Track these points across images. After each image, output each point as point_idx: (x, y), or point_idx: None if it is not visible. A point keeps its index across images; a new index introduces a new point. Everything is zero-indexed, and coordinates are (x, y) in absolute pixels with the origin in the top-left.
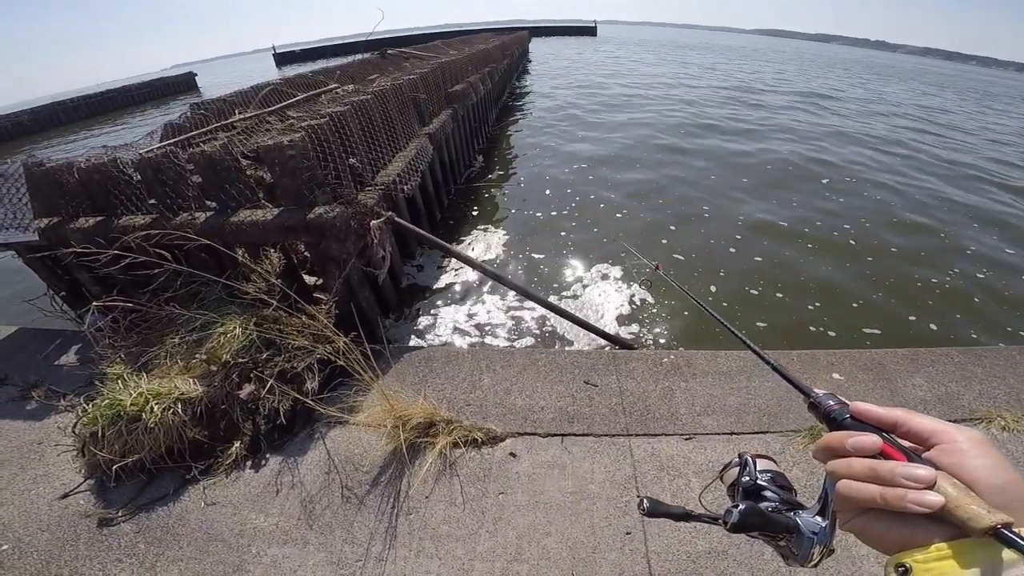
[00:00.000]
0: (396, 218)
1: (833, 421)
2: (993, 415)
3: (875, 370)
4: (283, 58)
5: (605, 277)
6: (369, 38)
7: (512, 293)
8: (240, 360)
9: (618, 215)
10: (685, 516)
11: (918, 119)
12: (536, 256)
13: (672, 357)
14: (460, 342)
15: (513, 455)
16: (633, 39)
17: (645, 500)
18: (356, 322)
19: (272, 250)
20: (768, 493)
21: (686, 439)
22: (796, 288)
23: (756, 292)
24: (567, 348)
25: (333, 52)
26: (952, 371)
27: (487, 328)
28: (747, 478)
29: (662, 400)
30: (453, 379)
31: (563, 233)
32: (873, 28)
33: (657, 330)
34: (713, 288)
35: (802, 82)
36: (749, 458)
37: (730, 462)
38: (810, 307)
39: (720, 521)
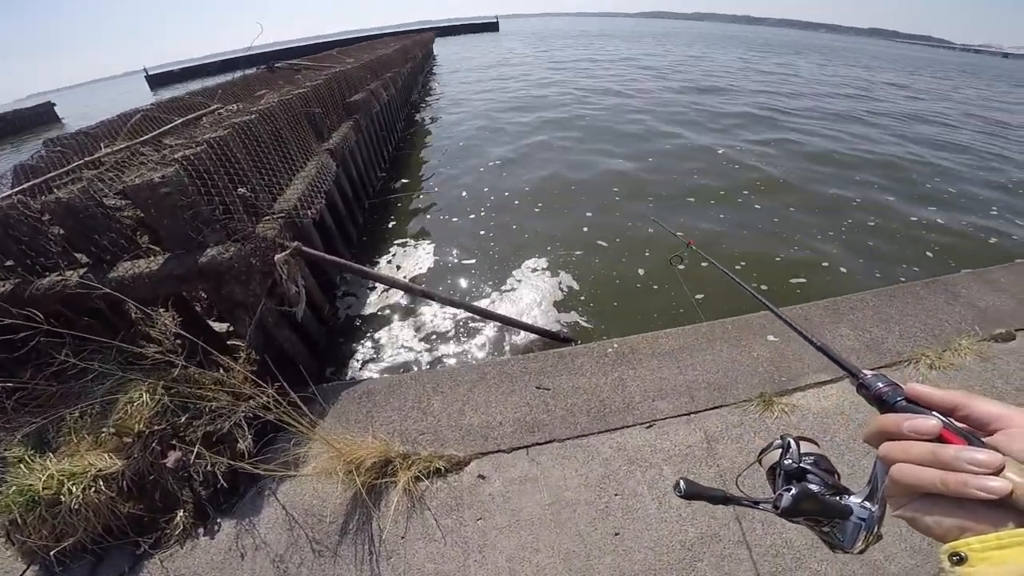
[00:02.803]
0: (304, 248)
1: (885, 404)
2: (918, 354)
3: (803, 326)
4: (158, 80)
5: (535, 270)
6: (252, 52)
7: (447, 307)
8: (157, 428)
9: (535, 208)
10: (723, 499)
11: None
12: (465, 262)
13: (616, 346)
14: (401, 368)
15: (482, 477)
16: (535, 31)
17: (681, 482)
18: (275, 371)
19: (162, 308)
20: (812, 477)
21: (647, 427)
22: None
23: (682, 267)
24: (513, 355)
25: (217, 70)
26: (871, 315)
27: (427, 348)
28: (789, 461)
29: (615, 392)
30: (400, 409)
31: (485, 234)
32: (743, 4)
33: (595, 320)
34: (641, 271)
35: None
36: (791, 440)
37: (769, 444)
38: (737, 267)
39: (770, 505)
